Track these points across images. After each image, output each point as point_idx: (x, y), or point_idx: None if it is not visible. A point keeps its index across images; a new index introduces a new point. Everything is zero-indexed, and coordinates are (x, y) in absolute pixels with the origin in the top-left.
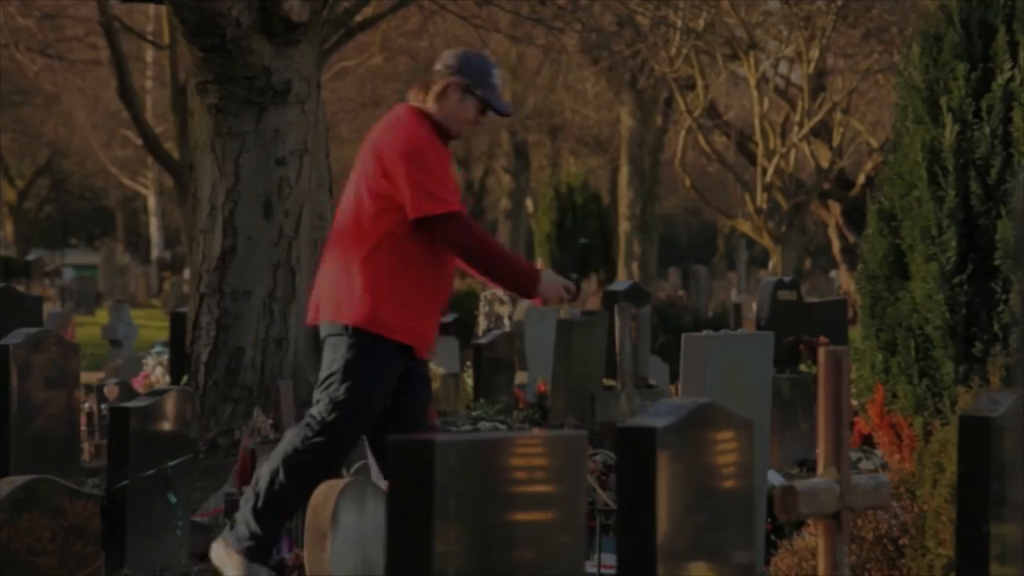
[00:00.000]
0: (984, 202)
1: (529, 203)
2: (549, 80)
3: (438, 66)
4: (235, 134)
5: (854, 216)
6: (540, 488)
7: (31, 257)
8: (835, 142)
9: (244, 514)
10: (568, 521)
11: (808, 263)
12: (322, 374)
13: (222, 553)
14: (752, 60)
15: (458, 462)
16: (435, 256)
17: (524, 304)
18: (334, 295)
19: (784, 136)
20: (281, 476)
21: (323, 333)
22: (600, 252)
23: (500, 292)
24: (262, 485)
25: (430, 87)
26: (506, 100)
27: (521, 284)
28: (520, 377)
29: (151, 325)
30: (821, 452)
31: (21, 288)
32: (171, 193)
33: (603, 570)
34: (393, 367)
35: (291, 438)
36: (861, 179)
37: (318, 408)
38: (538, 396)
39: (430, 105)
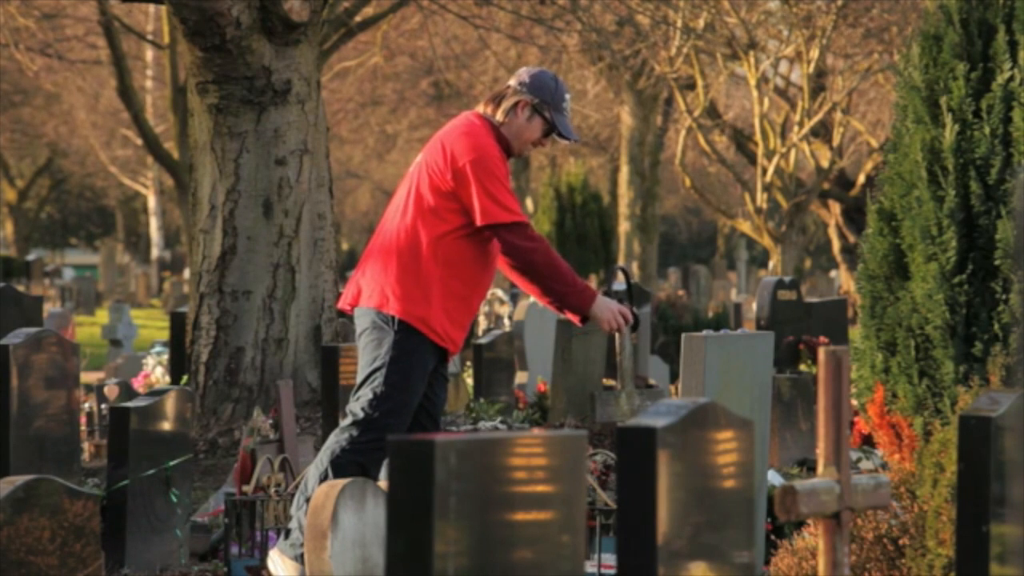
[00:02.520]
0: (984, 202)
1: (529, 203)
2: None
3: (512, 81)
4: (235, 134)
5: (854, 216)
6: (540, 488)
7: (31, 257)
8: (835, 142)
9: (298, 520)
10: (568, 521)
11: (808, 263)
12: (364, 370)
13: (278, 562)
14: (752, 60)
15: (458, 462)
16: (484, 265)
17: (524, 304)
18: (382, 284)
19: (784, 136)
20: (331, 478)
21: (363, 320)
22: (600, 252)
23: (500, 292)
24: (312, 489)
25: (500, 100)
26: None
27: (575, 302)
28: (520, 377)
29: (151, 325)
30: (821, 452)
31: (21, 288)
32: (171, 193)
33: (603, 570)
34: (430, 365)
35: (336, 439)
36: (861, 179)
37: (361, 404)
38: (538, 396)
39: (499, 118)
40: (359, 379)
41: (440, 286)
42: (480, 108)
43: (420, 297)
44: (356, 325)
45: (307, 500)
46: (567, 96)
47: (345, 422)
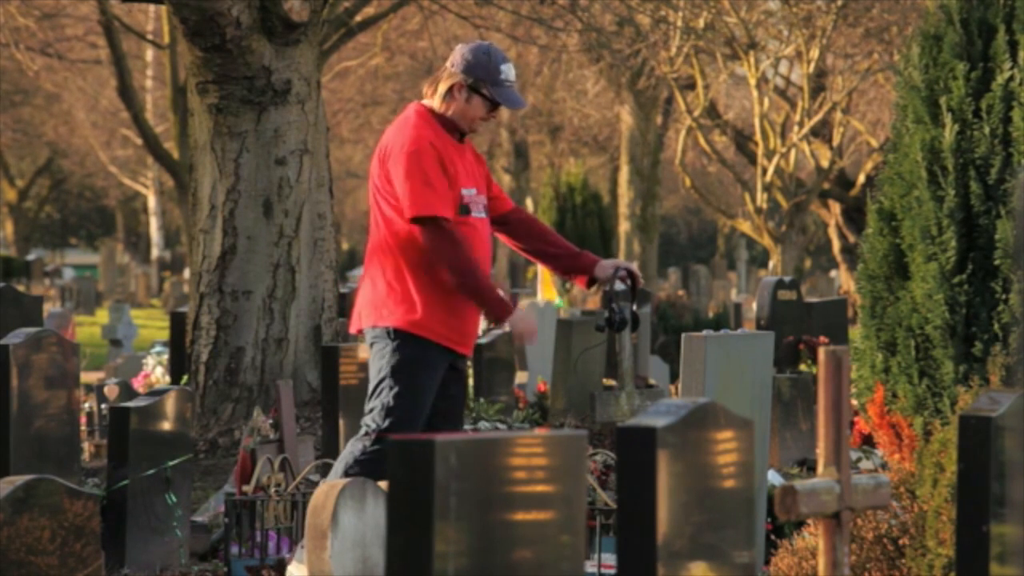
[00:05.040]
0: (984, 202)
1: (529, 203)
2: (549, 80)
3: (447, 62)
4: (235, 134)
5: (854, 216)
6: (540, 488)
7: (31, 257)
8: (835, 142)
9: None
10: (568, 521)
11: (808, 263)
12: (372, 382)
13: (295, 573)
14: (752, 60)
15: (458, 462)
16: (471, 246)
17: (524, 304)
18: (373, 300)
19: (784, 136)
20: None
21: (367, 339)
22: (600, 252)
23: (500, 292)
24: None
25: (437, 85)
26: (518, 92)
27: (484, 310)
28: (520, 377)
29: (151, 325)
30: (821, 452)
31: (21, 288)
32: (171, 193)
33: (603, 570)
34: (439, 367)
35: (350, 450)
36: (861, 179)
37: (372, 416)
38: (538, 396)
39: (437, 103)
40: (368, 392)
41: (429, 285)
42: (425, 93)
43: (412, 303)
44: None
45: None
46: (503, 66)
47: (359, 433)
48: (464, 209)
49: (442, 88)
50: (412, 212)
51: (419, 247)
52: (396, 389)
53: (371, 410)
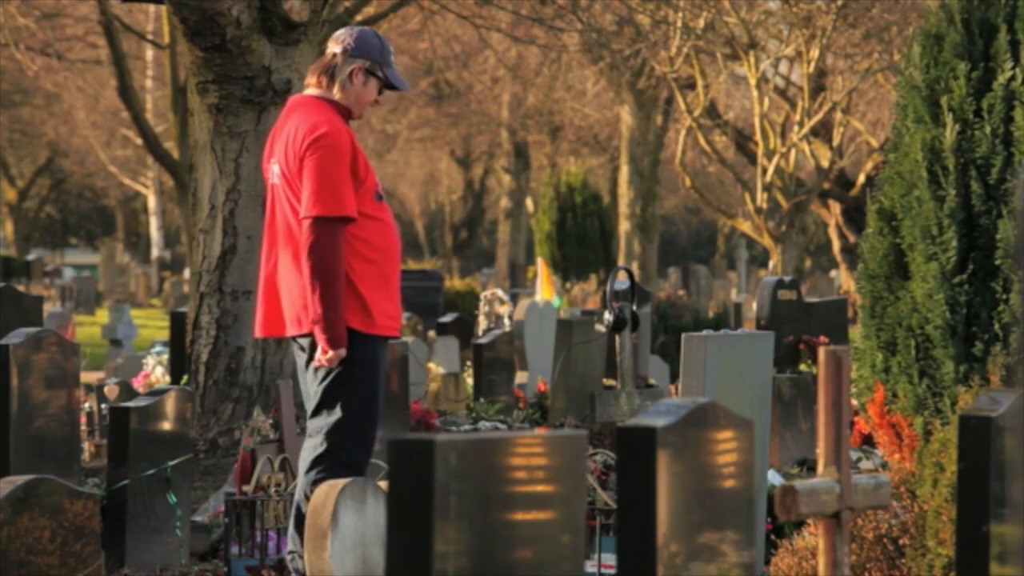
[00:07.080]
0: (985, 202)
1: (529, 203)
2: (549, 80)
3: (336, 49)
4: (235, 134)
5: (854, 216)
6: (540, 488)
7: (31, 257)
8: (835, 142)
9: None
10: (568, 521)
11: (808, 263)
12: (321, 384)
13: None
14: (752, 60)
15: (458, 462)
16: (386, 239)
17: (524, 303)
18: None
19: (784, 136)
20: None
21: (306, 344)
22: (600, 252)
23: (500, 292)
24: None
25: (332, 73)
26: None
27: (320, 333)
28: (520, 377)
29: (151, 325)
30: (821, 452)
31: (21, 288)
32: (171, 193)
33: (603, 570)
34: (386, 358)
35: (315, 458)
36: (861, 179)
37: (336, 419)
38: (538, 396)
39: (335, 92)
40: (319, 397)
41: (367, 277)
42: (312, 82)
43: (358, 303)
44: (298, 349)
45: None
46: (390, 47)
47: (319, 441)
48: (379, 196)
49: (341, 76)
50: (322, 211)
51: (353, 239)
52: (357, 390)
53: (328, 412)
